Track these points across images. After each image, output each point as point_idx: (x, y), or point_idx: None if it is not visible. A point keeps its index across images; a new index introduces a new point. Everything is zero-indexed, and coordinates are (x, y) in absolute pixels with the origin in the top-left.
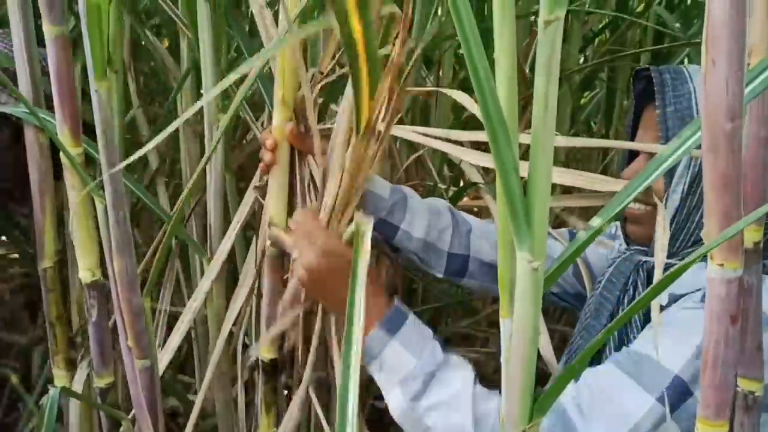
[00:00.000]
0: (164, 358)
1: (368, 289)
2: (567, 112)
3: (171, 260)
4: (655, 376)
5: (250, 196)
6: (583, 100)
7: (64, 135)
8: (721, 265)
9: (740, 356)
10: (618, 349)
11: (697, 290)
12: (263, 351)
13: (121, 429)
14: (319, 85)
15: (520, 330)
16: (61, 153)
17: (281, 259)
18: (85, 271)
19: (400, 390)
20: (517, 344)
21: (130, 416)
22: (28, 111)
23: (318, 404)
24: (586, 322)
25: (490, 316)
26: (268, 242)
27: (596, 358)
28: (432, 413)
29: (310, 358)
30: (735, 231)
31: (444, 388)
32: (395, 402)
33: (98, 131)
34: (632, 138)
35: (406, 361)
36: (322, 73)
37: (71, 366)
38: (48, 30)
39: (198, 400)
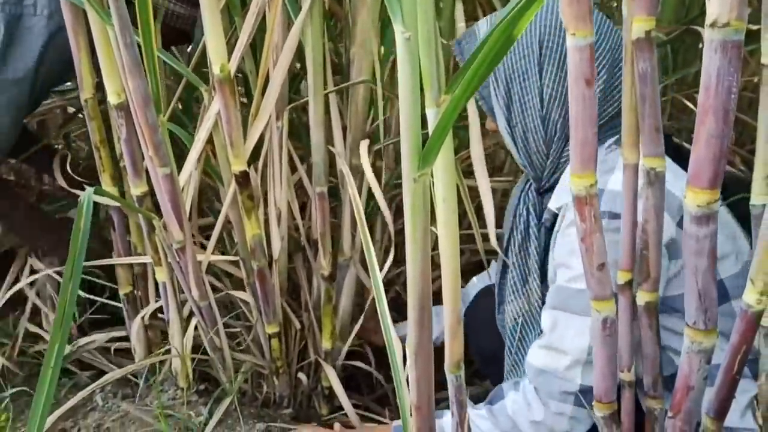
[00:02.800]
0: (186, 168)
1: None
2: None
3: None
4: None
5: (248, 23)
6: None
7: None
8: (573, 34)
9: (642, 138)
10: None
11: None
12: (234, 165)
13: (156, 230)
14: None
15: (402, 93)
16: None
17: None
18: (112, 94)
19: None
20: (402, 107)
21: (161, 221)
22: None
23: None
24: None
25: None
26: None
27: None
28: None
29: None
30: None
31: None
32: None
33: None
34: None
35: None
36: None
37: (116, 182)
38: None
39: (222, 213)
